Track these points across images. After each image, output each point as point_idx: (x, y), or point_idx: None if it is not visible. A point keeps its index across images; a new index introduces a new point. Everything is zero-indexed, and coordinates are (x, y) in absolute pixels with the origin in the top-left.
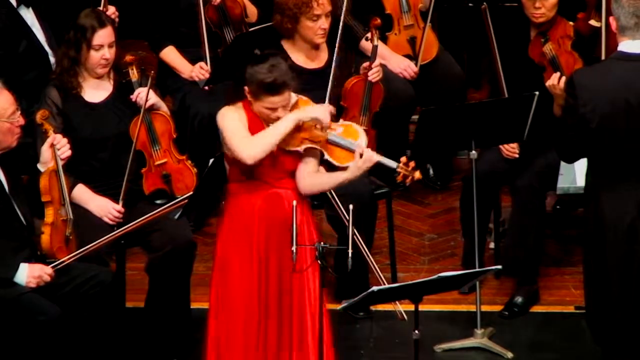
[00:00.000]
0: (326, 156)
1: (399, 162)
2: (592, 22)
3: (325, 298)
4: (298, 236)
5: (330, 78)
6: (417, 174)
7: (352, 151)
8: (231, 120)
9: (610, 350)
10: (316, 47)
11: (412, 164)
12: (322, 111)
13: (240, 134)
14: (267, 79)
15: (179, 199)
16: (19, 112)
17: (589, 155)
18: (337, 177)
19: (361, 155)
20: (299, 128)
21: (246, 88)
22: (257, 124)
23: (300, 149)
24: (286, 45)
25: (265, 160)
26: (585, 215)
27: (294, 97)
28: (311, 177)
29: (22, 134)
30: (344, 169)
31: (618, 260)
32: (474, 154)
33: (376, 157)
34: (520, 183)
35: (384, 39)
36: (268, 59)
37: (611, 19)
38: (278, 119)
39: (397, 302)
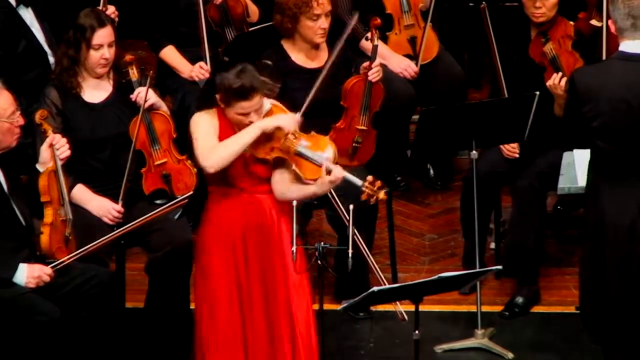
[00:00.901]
0: (294, 167)
1: (365, 180)
2: (593, 22)
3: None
4: (276, 241)
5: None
6: (382, 194)
7: (319, 165)
8: (201, 127)
9: (609, 349)
10: (316, 46)
11: (378, 183)
12: (286, 120)
13: (206, 143)
14: (235, 84)
15: (178, 199)
16: (19, 112)
17: (591, 152)
18: (306, 190)
19: (328, 172)
20: (268, 137)
21: (217, 96)
22: (229, 131)
23: (269, 157)
24: (286, 45)
25: (238, 168)
26: (585, 213)
27: (267, 103)
28: (282, 185)
29: (21, 134)
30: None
31: (618, 259)
32: (474, 154)
33: (343, 174)
34: (521, 183)
35: (384, 39)
36: (236, 65)
37: (610, 22)
38: (251, 124)
39: (397, 302)
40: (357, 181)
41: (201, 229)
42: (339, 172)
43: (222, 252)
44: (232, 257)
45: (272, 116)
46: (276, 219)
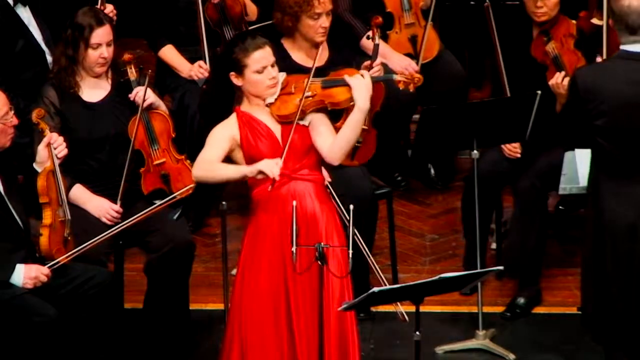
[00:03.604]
0: (327, 102)
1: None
2: (595, 21)
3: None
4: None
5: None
6: (417, 77)
7: (347, 84)
8: (212, 138)
9: (611, 349)
10: (317, 45)
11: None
12: (268, 165)
13: (205, 154)
14: (242, 41)
15: (173, 195)
16: (12, 112)
17: (593, 151)
18: (351, 120)
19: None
20: (289, 94)
21: (232, 74)
22: (253, 128)
23: (302, 107)
24: (286, 44)
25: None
26: (587, 212)
27: (282, 74)
28: (333, 143)
29: (15, 134)
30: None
31: (619, 259)
32: (475, 153)
33: (376, 68)
34: (522, 183)
35: (385, 38)
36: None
37: (611, 21)
38: (274, 83)
39: (398, 303)
40: (389, 75)
41: (247, 231)
42: (367, 75)
43: (270, 249)
44: (288, 252)
45: (256, 164)
46: (320, 214)
